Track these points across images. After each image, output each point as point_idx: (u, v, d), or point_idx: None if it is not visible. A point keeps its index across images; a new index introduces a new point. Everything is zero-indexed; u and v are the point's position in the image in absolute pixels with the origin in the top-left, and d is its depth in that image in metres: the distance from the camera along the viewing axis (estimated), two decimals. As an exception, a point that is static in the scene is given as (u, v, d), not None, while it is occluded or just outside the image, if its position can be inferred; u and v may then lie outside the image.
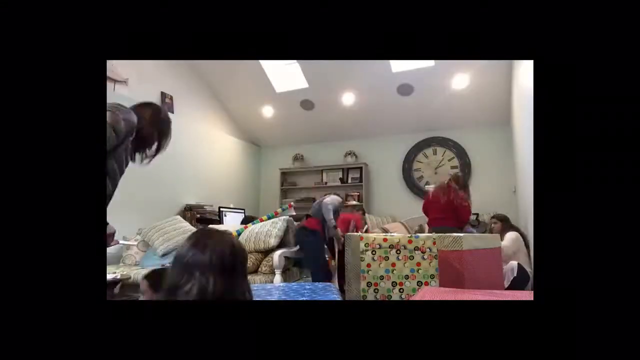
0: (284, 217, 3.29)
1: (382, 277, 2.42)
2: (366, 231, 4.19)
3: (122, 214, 3.58)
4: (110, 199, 1.45)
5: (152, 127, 1.55)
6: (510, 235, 3.10)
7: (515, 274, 2.83)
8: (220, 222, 4.72)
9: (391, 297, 2.40)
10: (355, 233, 3.11)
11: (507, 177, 4.81)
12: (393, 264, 2.42)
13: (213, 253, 0.97)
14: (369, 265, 2.44)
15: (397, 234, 2.72)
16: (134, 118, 1.43)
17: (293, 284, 2.19)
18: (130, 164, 1.56)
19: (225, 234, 1.05)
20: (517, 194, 4.44)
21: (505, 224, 3.39)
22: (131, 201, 3.76)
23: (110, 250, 3.46)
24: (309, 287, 1.93)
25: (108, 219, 1.35)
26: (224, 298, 0.97)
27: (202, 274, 0.95)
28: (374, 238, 2.49)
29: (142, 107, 1.55)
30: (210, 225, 3.57)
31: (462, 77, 4.59)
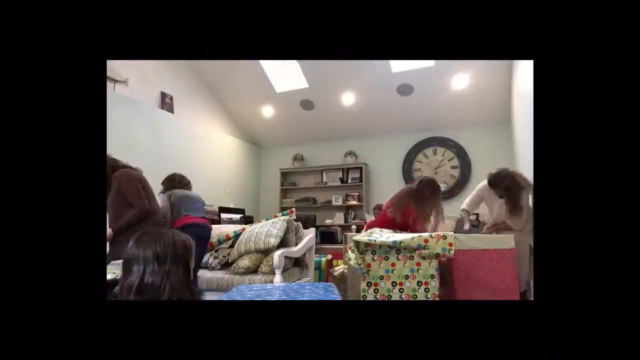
0: (285, 217, 3.28)
1: (382, 277, 2.41)
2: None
3: (122, 214, 3.57)
4: None
5: None
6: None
7: None
8: (220, 222, 4.72)
9: (391, 297, 2.39)
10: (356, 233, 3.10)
11: (507, 177, 4.80)
12: (393, 264, 2.42)
13: (146, 249, 0.98)
14: (369, 265, 2.44)
15: (397, 234, 2.72)
16: None
17: (293, 284, 2.19)
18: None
19: (161, 231, 1.04)
20: (517, 194, 4.43)
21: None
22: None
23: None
24: (309, 287, 1.93)
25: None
26: (164, 294, 0.97)
27: (138, 270, 0.97)
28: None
29: None
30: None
31: (462, 77, 4.59)
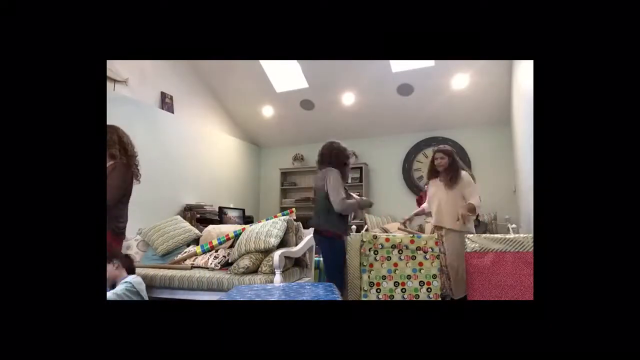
0: (285, 217, 3.28)
1: (384, 277, 2.42)
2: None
3: (122, 214, 3.57)
4: None
5: None
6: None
7: None
8: (220, 222, 4.72)
9: (393, 297, 2.40)
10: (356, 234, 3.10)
11: (507, 177, 4.80)
12: (395, 264, 2.42)
13: None
14: (371, 265, 2.44)
15: (399, 234, 2.72)
16: None
17: (293, 284, 2.19)
18: None
19: None
20: (517, 194, 4.44)
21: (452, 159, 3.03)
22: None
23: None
24: (308, 287, 1.93)
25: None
26: None
27: None
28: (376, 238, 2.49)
29: None
30: None
31: (462, 77, 4.59)
